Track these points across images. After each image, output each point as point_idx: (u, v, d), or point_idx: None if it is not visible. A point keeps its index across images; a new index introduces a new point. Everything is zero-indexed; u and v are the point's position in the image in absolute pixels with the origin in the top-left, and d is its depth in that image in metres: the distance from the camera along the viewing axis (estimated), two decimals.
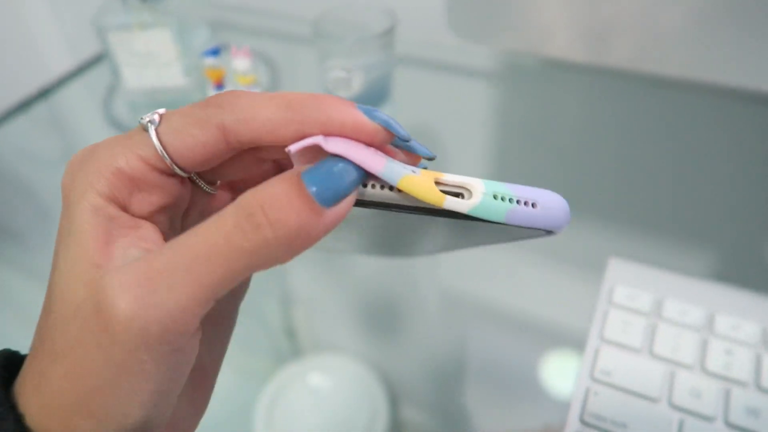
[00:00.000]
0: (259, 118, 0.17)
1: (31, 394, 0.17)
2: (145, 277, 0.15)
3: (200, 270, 0.15)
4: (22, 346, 0.40)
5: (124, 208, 0.18)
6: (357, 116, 0.17)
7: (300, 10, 0.72)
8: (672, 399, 0.33)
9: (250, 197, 0.15)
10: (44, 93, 0.68)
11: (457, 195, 0.18)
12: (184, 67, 0.59)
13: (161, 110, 0.18)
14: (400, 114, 0.59)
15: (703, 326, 0.36)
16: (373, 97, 0.56)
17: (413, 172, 0.18)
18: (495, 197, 0.18)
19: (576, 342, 0.38)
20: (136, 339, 0.15)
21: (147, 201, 0.18)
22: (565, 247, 0.45)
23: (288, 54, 0.70)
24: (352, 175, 0.16)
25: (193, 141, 0.17)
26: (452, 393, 0.37)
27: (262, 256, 0.15)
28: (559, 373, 0.38)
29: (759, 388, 0.33)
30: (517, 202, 0.18)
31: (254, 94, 0.18)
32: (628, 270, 0.40)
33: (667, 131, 0.55)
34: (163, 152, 0.17)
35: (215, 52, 0.59)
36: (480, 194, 0.18)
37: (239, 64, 0.59)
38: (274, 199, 0.15)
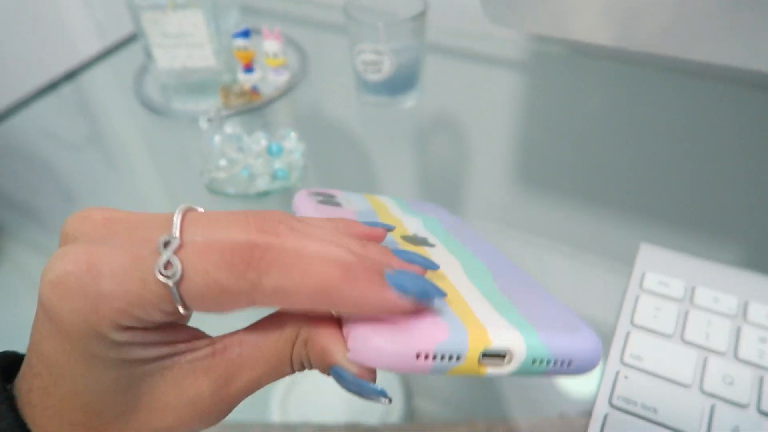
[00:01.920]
0: (292, 300, 0.17)
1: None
2: None
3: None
4: None
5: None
6: (388, 299, 0.17)
7: None
8: (703, 385, 0.32)
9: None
10: (72, 74, 0.68)
11: (498, 356, 0.18)
12: (215, 49, 0.60)
13: (170, 254, 0.16)
14: (427, 100, 0.59)
15: (737, 314, 0.35)
16: (402, 81, 0.56)
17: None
18: (534, 362, 0.18)
19: (599, 331, 0.38)
20: None
21: (145, 333, 0.18)
22: (593, 235, 0.45)
23: (318, 39, 0.71)
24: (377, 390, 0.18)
25: (218, 309, 0.17)
26: (467, 381, 0.37)
27: None
28: None
29: None
30: (554, 363, 0.19)
31: (287, 264, 0.17)
32: (660, 256, 0.39)
33: (697, 119, 0.54)
34: (187, 311, 0.17)
35: (246, 33, 0.59)
36: (518, 363, 0.18)
37: (269, 46, 0.60)
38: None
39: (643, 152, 0.51)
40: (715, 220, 0.45)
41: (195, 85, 0.62)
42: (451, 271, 0.23)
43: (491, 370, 0.18)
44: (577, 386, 0.35)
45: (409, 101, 0.58)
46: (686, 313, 0.36)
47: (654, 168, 0.50)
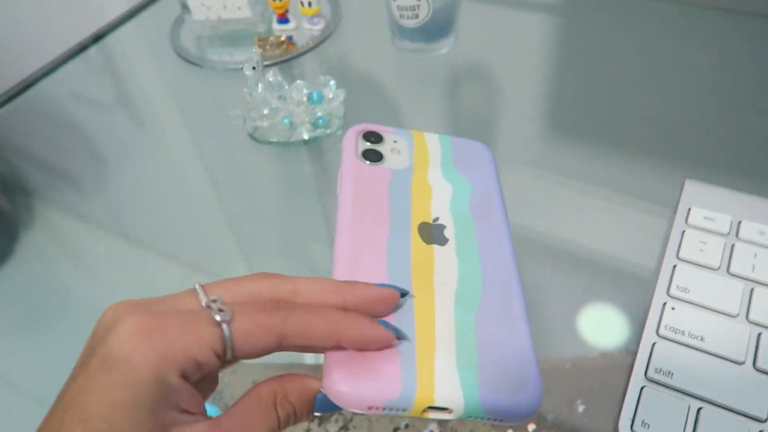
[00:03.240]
0: (310, 333, 0.21)
1: None
2: None
3: None
4: (72, 286, 0.42)
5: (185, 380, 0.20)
6: (379, 336, 0.22)
7: None
8: (749, 315, 0.33)
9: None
10: (101, 35, 0.69)
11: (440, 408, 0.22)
12: None
13: (220, 303, 0.21)
14: (462, 45, 0.59)
15: None
16: (439, 27, 0.56)
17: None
18: (469, 416, 0.22)
19: (641, 266, 0.39)
20: None
21: (201, 378, 0.21)
22: (632, 176, 0.45)
23: None
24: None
25: (257, 344, 0.21)
26: None
27: None
28: (627, 305, 0.38)
29: None
30: (487, 419, 0.23)
31: (305, 308, 0.22)
32: (704, 192, 0.40)
33: (736, 55, 0.53)
34: (231, 351, 0.21)
35: None
36: (456, 416, 0.22)
37: None
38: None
39: (681, 91, 0.51)
40: (758, 154, 0.44)
41: (230, 36, 0.63)
42: (444, 286, 0.26)
43: (432, 415, 0.22)
44: (619, 324, 0.36)
45: (444, 47, 0.58)
46: (732, 246, 0.36)
47: (692, 106, 0.49)
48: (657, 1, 0.61)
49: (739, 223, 0.37)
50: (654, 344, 0.33)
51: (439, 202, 0.29)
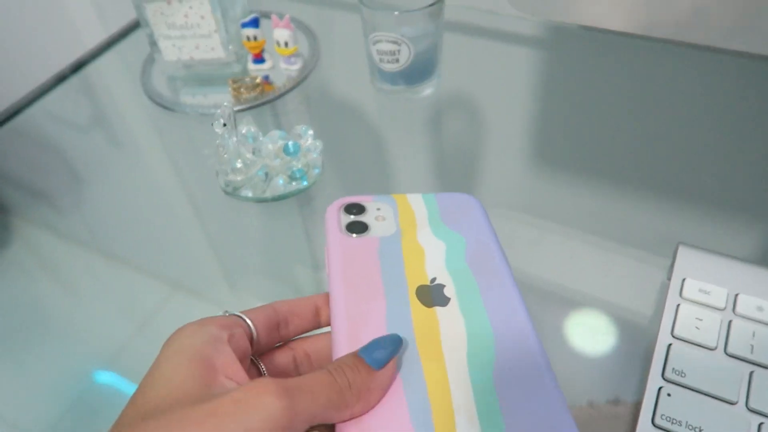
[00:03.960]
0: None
1: None
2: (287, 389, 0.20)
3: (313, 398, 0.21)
4: (54, 303, 0.41)
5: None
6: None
7: None
8: (749, 402, 0.31)
9: (346, 378, 0.22)
10: (79, 65, 0.66)
11: None
12: (223, 39, 0.57)
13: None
14: (445, 83, 0.57)
15: None
16: (420, 70, 0.54)
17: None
18: None
19: (636, 326, 0.37)
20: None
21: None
22: (621, 223, 0.43)
23: (328, 20, 0.68)
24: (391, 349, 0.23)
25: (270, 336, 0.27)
26: None
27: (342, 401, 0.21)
28: (626, 367, 0.36)
29: None
30: None
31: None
32: (698, 259, 0.38)
33: (726, 97, 0.52)
34: (255, 332, 0.25)
35: (254, 22, 0.57)
36: None
37: (279, 35, 0.57)
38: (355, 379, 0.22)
39: (669, 130, 0.49)
40: (750, 210, 0.43)
41: (204, 77, 0.60)
42: (454, 350, 0.24)
43: None
44: (606, 374, 0.35)
45: (427, 89, 0.56)
46: (729, 323, 0.34)
47: (680, 146, 0.48)
48: (639, 38, 0.59)
49: (736, 296, 0.36)
50: None
51: (434, 261, 0.28)
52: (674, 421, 0.31)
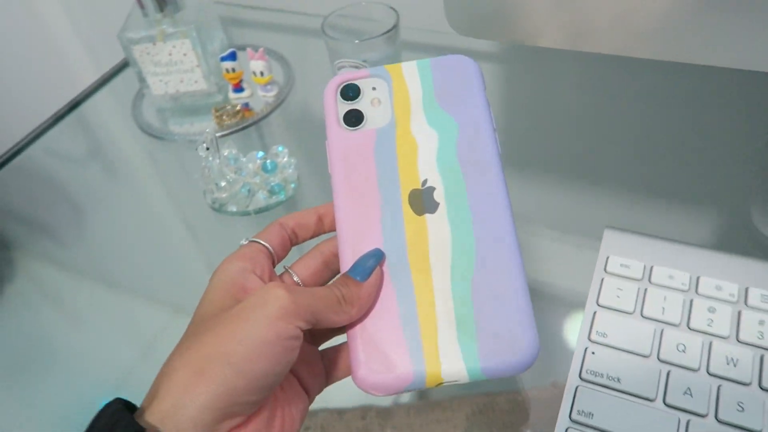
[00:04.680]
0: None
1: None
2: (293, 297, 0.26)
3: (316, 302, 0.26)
4: (58, 334, 0.45)
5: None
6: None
7: (309, 7, 0.76)
8: (660, 354, 0.37)
9: (340, 291, 0.27)
10: (75, 104, 0.72)
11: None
12: (205, 73, 0.64)
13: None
14: None
15: (689, 288, 0.40)
16: None
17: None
18: (474, 380, 0.26)
19: (578, 305, 0.43)
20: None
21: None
22: (565, 217, 0.49)
23: (300, 49, 0.74)
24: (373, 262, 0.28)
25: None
26: None
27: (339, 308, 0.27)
28: (564, 335, 0.42)
29: (738, 340, 0.37)
30: (489, 378, 0.26)
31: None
32: (622, 239, 0.44)
33: (652, 106, 0.58)
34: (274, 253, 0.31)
35: (232, 56, 0.63)
36: (462, 383, 0.26)
37: (255, 66, 0.64)
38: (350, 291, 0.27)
39: (609, 136, 0.56)
40: (674, 197, 0.49)
41: (189, 107, 0.66)
42: (439, 261, 0.28)
43: (445, 384, 0.26)
44: (567, 358, 0.40)
45: None
46: (644, 291, 0.40)
47: (613, 146, 0.54)
48: (581, 55, 0.66)
49: (651, 268, 0.41)
50: (577, 387, 0.37)
51: (426, 157, 0.30)
52: (597, 374, 0.37)
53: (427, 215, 0.29)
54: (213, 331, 0.25)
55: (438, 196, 0.29)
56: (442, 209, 0.29)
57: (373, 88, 0.32)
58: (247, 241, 0.31)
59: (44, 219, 0.59)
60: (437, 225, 0.28)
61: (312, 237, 0.33)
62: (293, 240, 0.32)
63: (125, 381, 0.44)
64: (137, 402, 0.25)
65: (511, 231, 0.28)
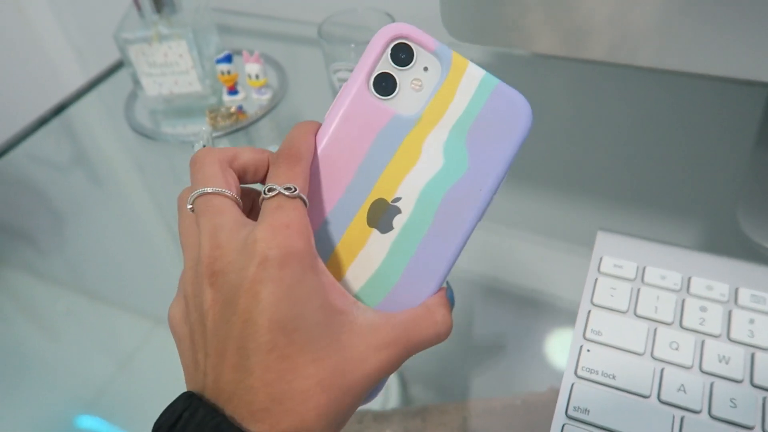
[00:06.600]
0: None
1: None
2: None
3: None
4: (35, 345, 0.44)
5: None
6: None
7: (304, 15, 0.77)
8: (654, 352, 0.38)
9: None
10: (61, 107, 0.71)
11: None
12: (200, 74, 0.64)
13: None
14: None
15: (681, 288, 0.41)
16: None
17: None
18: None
19: (572, 310, 0.43)
20: None
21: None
22: (558, 222, 0.50)
23: (294, 55, 0.75)
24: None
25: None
26: (457, 368, 0.42)
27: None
28: (559, 339, 0.42)
29: (729, 339, 0.38)
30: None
31: None
32: (614, 241, 0.45)
33: (645, 114, 0.59)
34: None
35: (227, 58, 0.63)
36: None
37: (250, 68, 0.64)
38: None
39: (600, 142, 0.57)
40: (663, 202, 0.50)
41: (183, 109, 0.66)
42: (357, 276, 0.27)
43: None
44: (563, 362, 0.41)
45: None
46: (638, 291, 0.41)
47: (607, 153, 0.55)
48: (576, 62, 0.67)
49: (644, 268, 0.42)
50: (573, 384, 0.37)
51: (415, 179, 0.27)
52: (593, 371, 0.37)
53: (375, 231, 0.26)
54: None
55: (397, 221, 0.27)
56: (391, 235, 0.26)
57: (425, 69, 0.27)
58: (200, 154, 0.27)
59: (24, 226, 0.58)
60: (377, 246, 0.26)
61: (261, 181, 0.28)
62: (243, 182, 0.27)
63: (101, 395, 0.43)
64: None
65: (437, 284, 0.27)
